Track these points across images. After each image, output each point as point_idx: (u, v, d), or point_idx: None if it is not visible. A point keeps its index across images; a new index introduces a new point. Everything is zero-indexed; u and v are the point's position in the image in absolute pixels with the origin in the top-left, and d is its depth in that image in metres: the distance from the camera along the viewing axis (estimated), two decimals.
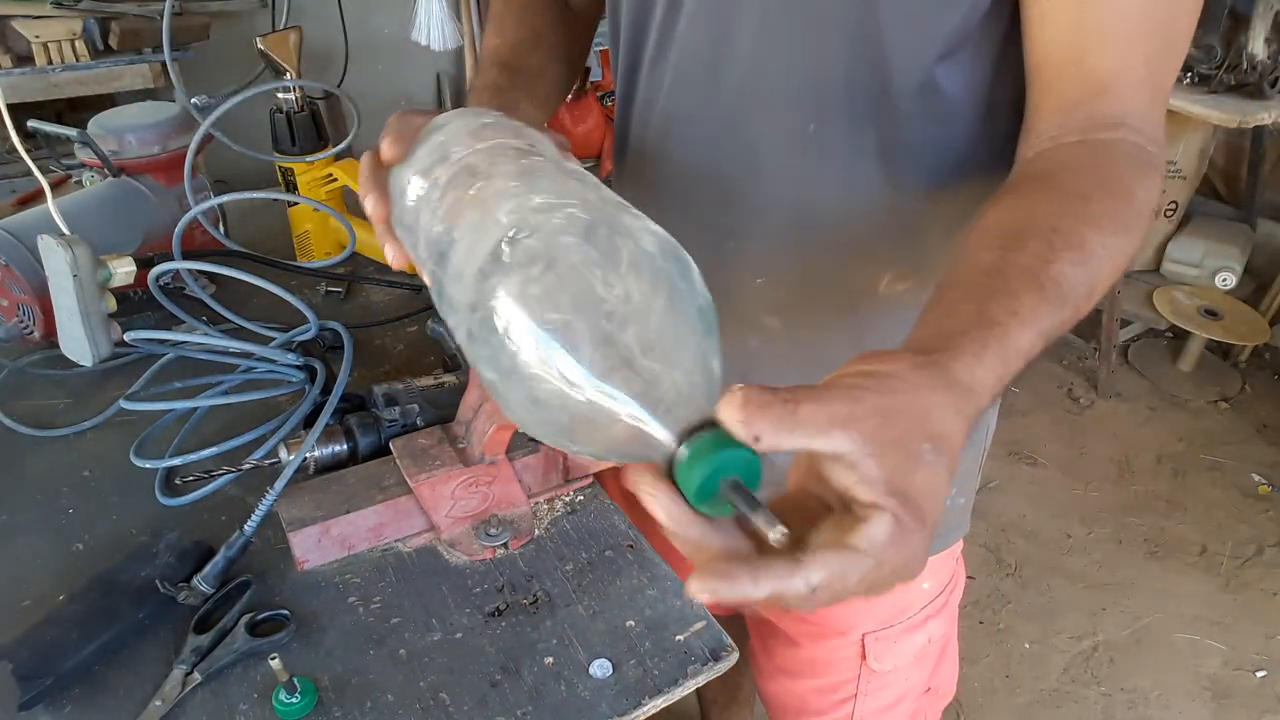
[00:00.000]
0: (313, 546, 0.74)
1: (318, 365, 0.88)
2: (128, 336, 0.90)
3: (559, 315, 0.42)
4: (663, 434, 0.41)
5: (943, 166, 0.69)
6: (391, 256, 0.63)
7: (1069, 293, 0.49)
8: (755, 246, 0.75)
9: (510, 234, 0.44)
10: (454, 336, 0.49)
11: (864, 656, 0.90)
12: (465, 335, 0.47)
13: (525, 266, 0.43)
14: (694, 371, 0.43)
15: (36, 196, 1.25)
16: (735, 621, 0.87)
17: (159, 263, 0.93)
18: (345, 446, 0.80)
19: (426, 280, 0.55)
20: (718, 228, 0.75)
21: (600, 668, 0.67)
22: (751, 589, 0.37)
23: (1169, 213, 2.81)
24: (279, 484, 0.74)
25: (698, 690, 0.69)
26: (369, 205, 0.62)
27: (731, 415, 0.37)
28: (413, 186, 0.59)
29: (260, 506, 0.73)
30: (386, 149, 0.61)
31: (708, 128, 0.74)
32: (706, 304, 0.45)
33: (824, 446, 0.38)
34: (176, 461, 0.82)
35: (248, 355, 0.93)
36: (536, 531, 0.79)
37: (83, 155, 1.11)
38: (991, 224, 0.53)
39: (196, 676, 0.65)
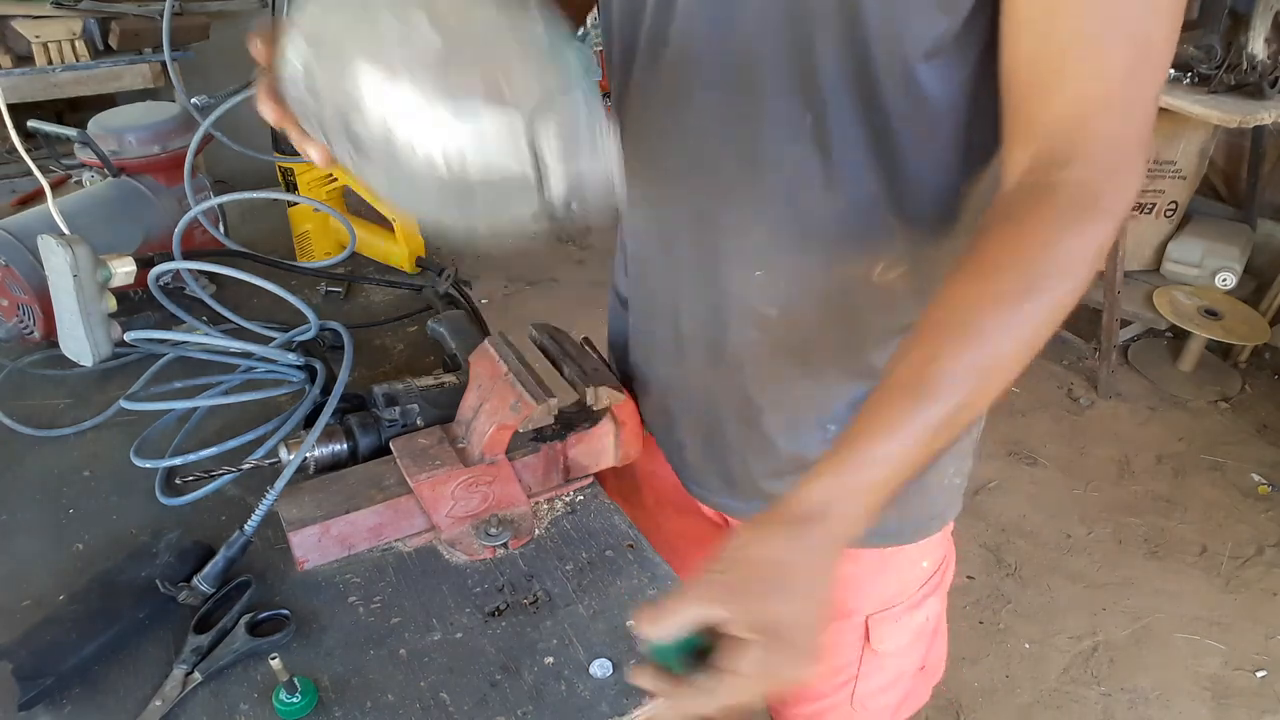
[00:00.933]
0: (313, 546, 0.74)
1: (318, 365, 0.88)
2: (128, 336, 0.90)
3: (375, 60, 0.51)
4: (510, 116, 0.51)
5: (931, 167, 0.70)
6: (316, 155, 0.63)
7: (952, 384, 0.57)
8: (754, 240, 0.75)
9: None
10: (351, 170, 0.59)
11: (867, 638, 0.90)
12: (348, 150, 0.56)
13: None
14: (516, 58, 0.52)
15: (36, 196, 1.25)
16: None
17: (159, 263, 0.93)
18: (345, 446, 0.80)
19: (335, 152, 0.60)
20: (717, 223, 0.75)
21: (600, 667, 0.67)
22: (684, 708, 0.57)
23: (1169, 213, 2.82)
24: (279, 484, 0.74)
25: None
26: (265, 112, 0.63)
27: (638, 628, 0.57)
28: (290, 69, 0.60)
29: (260, 506, 0.73)
30: (258, 52, 0.62)
31: (704, 123, 0.74)
32: None
33: (710, 618, 0.55)
34: (176, 461, 0.82)
35: (248, 355, 0.93)
36: (536, 531, 0.79)
37: (83, 155, 1.11)
38: (922, 316, 0.61)
39: (196, 676, 0.66)
